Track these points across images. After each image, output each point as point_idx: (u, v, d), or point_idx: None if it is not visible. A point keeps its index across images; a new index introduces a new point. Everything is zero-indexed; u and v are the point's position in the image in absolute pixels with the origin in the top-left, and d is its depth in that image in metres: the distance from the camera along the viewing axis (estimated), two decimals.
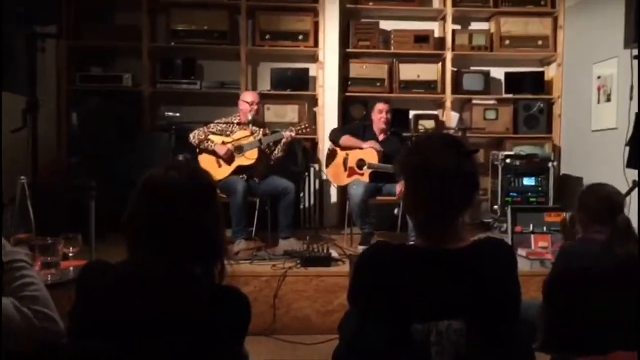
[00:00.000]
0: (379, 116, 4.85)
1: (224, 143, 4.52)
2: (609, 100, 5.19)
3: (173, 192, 1.38)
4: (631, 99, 4.28)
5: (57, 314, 1.28)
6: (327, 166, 5.06)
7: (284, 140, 4.58)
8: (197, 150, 4.60)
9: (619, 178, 3.85)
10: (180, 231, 1.37)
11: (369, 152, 4.70)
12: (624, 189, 3.42)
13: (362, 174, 4.70)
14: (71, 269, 2.13)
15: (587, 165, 5.51)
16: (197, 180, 1.43)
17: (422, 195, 1.47)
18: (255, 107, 4.59)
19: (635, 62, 4.17)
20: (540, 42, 6.10)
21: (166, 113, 5.15)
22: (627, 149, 4.07)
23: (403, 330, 1.38)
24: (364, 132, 4.91)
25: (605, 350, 1.97)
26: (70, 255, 2.20)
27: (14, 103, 4.12)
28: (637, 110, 4.14)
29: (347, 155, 4.83)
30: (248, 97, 4.66)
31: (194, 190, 1.41)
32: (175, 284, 1.34)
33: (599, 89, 5.35)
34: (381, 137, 4.87)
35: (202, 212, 1.40)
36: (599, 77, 5.36)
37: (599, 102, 5.36)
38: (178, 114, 5.02)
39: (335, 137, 4.95)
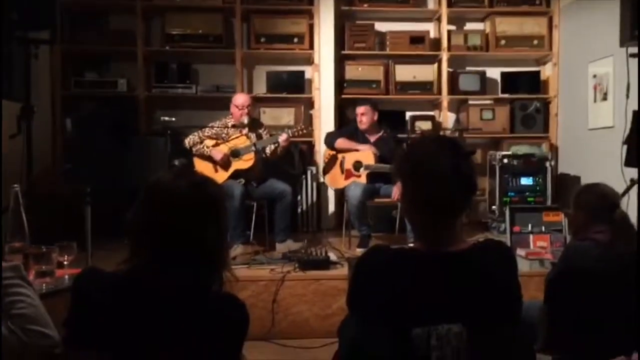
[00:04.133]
0: (358, 119, 4.85)
1: (217, 144, 4.49)
2: (605, 98, 5.19)
3: (178, 200, 1.36)
4: (627, 97, 4.27)
5: (50, 327, 1.26)
6: (325, 172, 5.04)
7: (280, 143, 4.56)
8: (192, 155, 4.58)
9: (617, 176, 3.83)
10: (181, 239, 1.35)
11: (365, 154, 4.68)
12: (621, 187, 3.42)
13: (359, 176, 4.68)
14: (66, 277, 2.11)
15: (585, 163, 5.50)
16: (204, 189, 1.40)
17: (419, 198, 1.45)
18: (246, 111, 4.55)
19: (631, 60, 4.17)
20: (535, 42, 6.10)
21: (162, 117, 5.11)
22: (625, 147, 4.07)
23: (403, 334, 1.36)
24: (356, 134, 4.89)
25: (606, 351, 1.97)
26: (65, 263, 2.18)
27: (8, 109, 4.10)
28: (633, 109, 4.14)
29: (344, 157, 4.82)
30: (238, 100, 4.62)
31: (200, 200, 1.38)
32: (172, 291, 1.32)
33: (594, 88, 5.35)
34: (372, 139, 4.85)
35: (206, 223, 1.38)
36: (594, 76, 5.36)
37: (595, 100, 5.36)
38: (174, 119, 4.98)
39: (330, 140, 4.94)
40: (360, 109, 4.85)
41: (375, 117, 4.86)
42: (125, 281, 1.33)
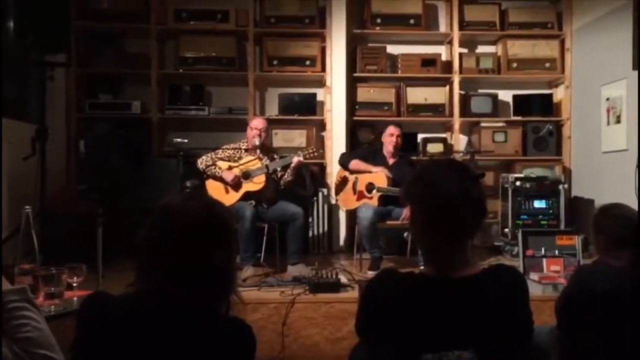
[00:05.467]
0: (390, 139, 4.84)
1: (230, 168, 4.52)
2: (618, 121, 5.16)
3: (188, 223, 1.36)
4: None
5: (55, 350, 1.26)
6: (337, 193, 5.04)
7: (292, 165, 4.57)
8: (205, 176, 4.60)
9: (631, 199, 3.79)
10: (190, 263, 1.34)
11: (378, 176, 4.68)
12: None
13: (371, 198, 4.67)
14: (75, 298, 2.11)
15: (598, 187, 5.45)
16: (214, 214, 1.40)
17: (428, 222, 1.44)
18: (258, 132, 4.58)
19: None
20: (547, 64, 6.10)
21: (174, 139, 5.16)
22: (639, 170, 4.03)
23: None
24: (374, 155, 4.90)
25: None
26: (75, 284, 2.19)
27: (23, 131, 4.16)
28: None
29: (357, 178, 4.81)
30: (252, 123, 4.69)
31: (210, 223, 1.38)
32: (180, 315, 1.31)
33: (608, 111, 5.33)
34: (391, 161, 4.86)
35: (215, 246, 1.37)
36: (607, 99, 5.34)
37: (608, 123, 5.33)
38: (186, 140, 5.04)
39: (344, 161, 4.95)
40: (395, 130, 4.86)
41: (401, 140, 4.88)
42: (131, 305, 1.32)
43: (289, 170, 4.64)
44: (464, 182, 1.43)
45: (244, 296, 1.46)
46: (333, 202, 5.61)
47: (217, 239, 1.38)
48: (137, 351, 1.27)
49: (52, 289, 1.99)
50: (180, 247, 1.34)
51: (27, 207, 1.97)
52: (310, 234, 5.62)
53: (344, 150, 5.64)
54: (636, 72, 4.24)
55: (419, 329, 1.37)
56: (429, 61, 6.07)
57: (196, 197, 1.43)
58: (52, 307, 1.99)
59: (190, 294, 1.32)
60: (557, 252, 4.12)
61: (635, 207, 3.52)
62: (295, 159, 4.54)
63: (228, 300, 1.39)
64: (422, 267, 1.55)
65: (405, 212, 4.25)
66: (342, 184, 4.96)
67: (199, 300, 1.33)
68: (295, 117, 5.89)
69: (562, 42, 6.11)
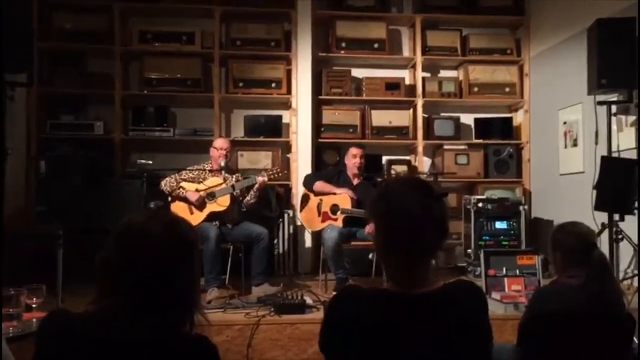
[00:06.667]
0: (353, 160, 4.89)
1: (196, 190, 4.49)
2: (575, 144, 5.32)
3: (151, 242, 1.34)
4: (596, 143, 4.39)
5: None
6: (301, 210, 5.05)
7: (256, 186, 4.57)
8: (169, 198, 4.56)
9: (588, 220, 3.87)
10: (152, 282, 1.32)
11: (342, 197, 4.71)
12: None
13: (336, 219, 4.69)
14: (34, 320, 2.06)
15: (557, 208, 5.59)
16: (177, 232, 1.39)
17: (390, 239, 1.47)
18: (224, 153, 4.59)
19: (599, 107, 4.31)
20: (507, 89, 6.27)
21: (138, 160, 5.12)
22: (595, 191, 4.16)
23: None
24: (338, 177, 4.93)
25: None
26: (34, 306, 2.13)
27: None
28: (602, 154, 4.25)
29: (321, 200, 4.83)
30: (217, 143, 4.71)
31: (173, 243, 1.37)
32: (142, 334, 1.29)
33: (565, 134, 5.49)
34: (355, 182, 4.90)
35: (178, 266, 1.36)
36: (564, 123, 5.50)
37: (565, 146, 5.50)
38: (150, 161, 5.00)
39: (308, 183, 4.96)
40: (357, 151, 4.91)
41: (363, 161, 4.92)
42: (93, 323, 1.30)
43: (252, 192, 4.62)
44: (427, 200, 1.45)
45: (208, 319, 1.44)
46: (299, 223, 5.61)
47: (181, 257, 1.37)
48: None
49: (10, 310, 1.95)
50: (142, 265, 1.32)
51: None
52: (276, 254, 5.59)
53: (309, 171, 5.67)
54: (591, 97, 4.39)
55: (380, 344, 1.38)
56: (392, 85, 6.17)
57: (158, 215, 1.42)
58: (10, 329, 1.94)
59: (152, 313, 1.31)
60: (518, 271, 4.19)
61: (593, 228, 3.62)
62: (260, 179, 4.54)
63: (192, 319, 1.38)
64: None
65: (369, 227, 4.28)
66: (306, 205, 4.97)
67: (162, 320, 1.32)
68: (261, 138, 5.90)
69: (521, 68, 6.30)
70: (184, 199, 4.48)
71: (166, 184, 4.54)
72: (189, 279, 1.38)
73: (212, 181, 4.56)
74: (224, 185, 4.53)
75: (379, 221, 1.50)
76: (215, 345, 1.38)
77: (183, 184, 4.54)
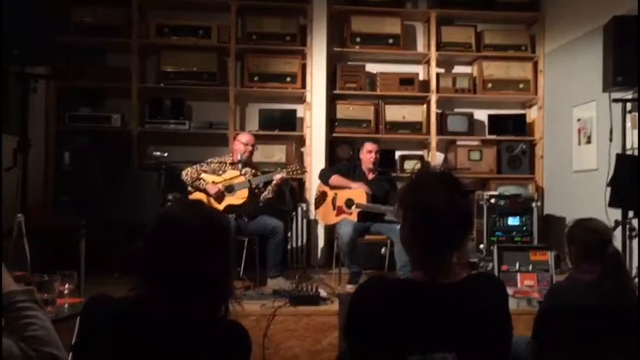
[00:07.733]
0: (368, 155, 4.93)
1: (214, 182, 4.56)
2: (589, 141, 5.33)
3: (189, 231, 1.40)
4: (610, 140, 4.39)
5: (60, 349, 1.30)
6: (317, 207, 5.09)
7: (274, 182, 4.62)
8: (188, 189, 4.62)
9: (601, 217, 3.88)
10: (190, 271, 1.38)
11: (358, 192, 4.75)
12: None
13: (351, 213, 4.74)
14: (66, 305, 2.13)
15: (570, 205, 5.60)
16: (213, 222, 1.44)
17: (418, 230, 1.52)
18: (250, 149, 4.67)
19: (614, 104, 4.31)
20: (521, 85, 6.27)
21: (154, 152, 5.17)
22: (609, 189, 4.17)
23: None
24: (353, 171, 4.98)
25: None
26: (65, 292, 2.20)
27: (4, 142, 4.13)
28: (616, 152, 4.26)
29: (336, 194, 4.88)
30: (243, 138, 4.77)
31: (211, 232, 1.42)
32: (180, 320, 1.35)
33: (579, 131, 5.50)
34: (370, 177, 4.94)
35: (216, 253, 1.41)
36: (578, 120, 5.51)
37: (579, 143, 5.50)
38: (166, 154, 5.05)
39: (324, 176, 5.01)
40: (373, 147, 4.95)
41: (378, 156, 4.96)
42: (133, 309, 1.36)
43: (269, 187, 4.68)
44: (454, 196, 1.50)
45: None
46: (312, 217, 5.66)
47: (217, 246, 1.42)
48: (137, 354, 1.31)
49: (45, 295, 2.02)
50: (181, 254, 1.38)
51: (19, 215, 2.00)
52: (290, 248, 5.65)
53: (323, 166, 5.71)
54: (606, 94, 4.40)
55: (406, 331, 1.43)
56: (407, 80, 6.20)
57: (195, 206, 1.48)
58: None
59: (191, 300, 1.36)
60: (530, 267, 4.23)
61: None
62: (278, 176, 4.60)
63: (227, 306, 1.43)
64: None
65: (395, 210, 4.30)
66: (321, 199, 5.02)
67: (199, 306, 1.37)
68: (275, 132, 5.95)
69: (535, 64, 6.30)
70: (204, 191, 4.55)
71: (187, 174, 4.61)
72: (224, 267, 1.43)
73: (231, 174, 4.62)
74: (242, 179, 4.59)
75: (407, 210, 1.55)
76: (247, 330, 1.44)
77: (203, 175, 4.61)
